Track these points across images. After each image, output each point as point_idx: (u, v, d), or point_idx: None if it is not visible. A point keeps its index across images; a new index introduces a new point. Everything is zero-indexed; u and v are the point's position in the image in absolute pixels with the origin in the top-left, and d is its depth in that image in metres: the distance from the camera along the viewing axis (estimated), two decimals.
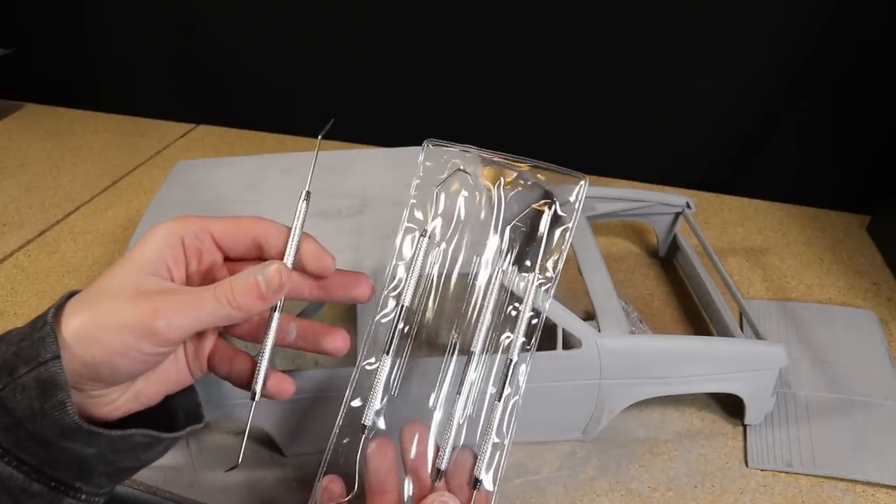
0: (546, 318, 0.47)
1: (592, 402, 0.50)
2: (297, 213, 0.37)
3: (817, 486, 0.50)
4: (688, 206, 0.69)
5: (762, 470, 0.51)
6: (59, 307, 0.32)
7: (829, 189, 0.84)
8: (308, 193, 0.37)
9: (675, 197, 0.70)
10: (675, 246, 0.72)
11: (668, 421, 0.55)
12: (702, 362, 0.50)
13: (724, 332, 0.57)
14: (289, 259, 0.36)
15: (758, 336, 0.54)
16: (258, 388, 0.37)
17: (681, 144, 0.88)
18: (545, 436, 0.53)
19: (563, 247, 0.39)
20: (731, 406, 0.55)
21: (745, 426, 0.54)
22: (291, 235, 0.36)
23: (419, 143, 0.41)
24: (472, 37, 0.87)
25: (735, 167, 0.87)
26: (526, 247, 0.40)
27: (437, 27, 0.88)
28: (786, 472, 0.51)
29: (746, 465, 0.51)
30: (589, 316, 0.51)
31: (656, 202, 0.69)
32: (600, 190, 0.69)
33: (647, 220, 0.73)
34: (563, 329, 0.48)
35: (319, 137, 0.38)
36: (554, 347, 0.48)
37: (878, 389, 0.57)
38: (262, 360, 0.37)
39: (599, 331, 0.49)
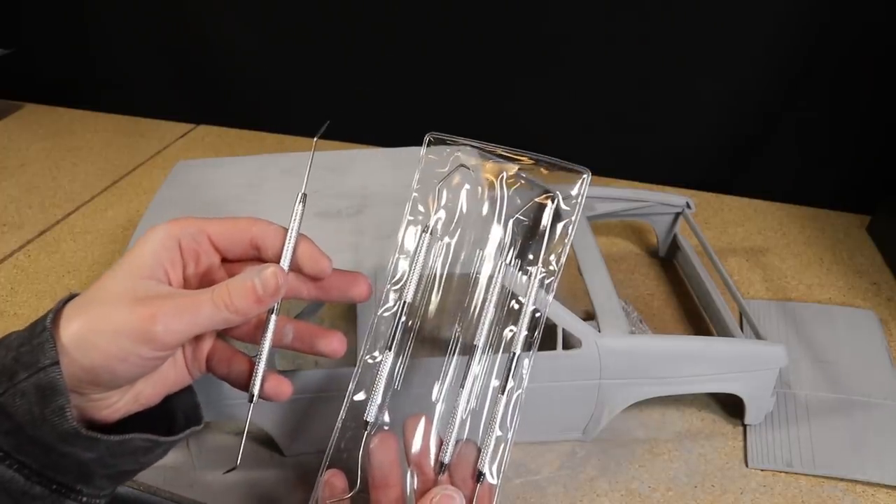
0: (546, 318, 0.47)
1: (592, 402, 0.50)
2: (294, 215, 0.37)
3: (817, 486, 0.50)
4: (688, 206, 0.69)
5: (762, 470, 0.51)
6: (58, 311, 0.32)
7: (829, 189, 0.84)
8: (304, 195, 0.37)
9: (675, 197, 0.70)
10: (675, 246, 0.72)
11: (668, 421, 0.55)
12: (702, 362, 0.50)
13: (724, 332, 0.57)
14: (285, 262, 0.36)
15: (758, 336, 0.54)
16: (256, 389, 0.37)
17: (681, 144, 0.88)
18: (545, 436, 0.53)
19: (566, 240, 0.39)
20: (731, 406, 0.55)
21: (745, 426, 0.54)
22: (288, 238, 0.36)
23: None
24: (472, 37, 0.87)
25: (735, 167, 0.87)
26: (528, 241, 0.40)
27: (437, 28, 0.88)
28: (786, 472, 0.51)
29: (746, 465, 0.51)
30: (589, 316, 0.51)
31: (656, 202, 0.69)
32: (600, 190, 0.69)
33: (647, 220, 0.73)
34: (563, 329, 0.48)
35: (315, 139, 0.38)
36: (554, 347, 0.48)
37: (878, 389, 0.57)
38: (259, 361, 0.37)
39: (599, 331, 0.49)
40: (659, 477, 0.51)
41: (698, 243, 0.66)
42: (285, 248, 0.36)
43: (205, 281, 0.36)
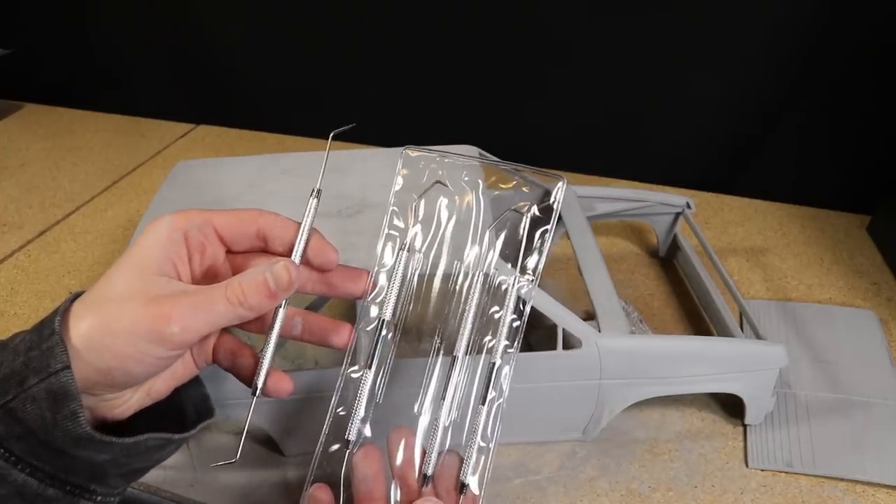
0: (546, 318, 0.47)
1: (592, 402, 0.50)
2: (308, 209, 0.37)
3: (817, 486, 0.50)
4: (688, 206, 0.69)
5: (762, 470, 0.51)
6: (65, 312, 0.31)
7: (829, 189, 0.84)
8: (319, 191, 0.37)
9: (675, 197, 0.70)
10: (675, 246, 0.72)
11: (668, 421, 0.55)
12: (702, 362, 0.50)
13: (724, 332, 0.57)
14: (297, 255, 0.36)
15: (758, 336, 0.54)
16: (260, 383, 0.36)
17: (681, 144, 0.88)
18: (545, 436, 0.53)
19: (544, 248, 0.39)
20: (731, 406, 0.55)
21: (745, 426, 0.54)
22: (300, 232, 0.36)
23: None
24: (472, 38, 0.87)
25: (735, 167, 0.87)
26: (507, 249, 0.40)
27: (438, 28, 0.88)
28: (786, 472, 0.51)
29: (746, 465, 0.51)
30: (589, 316, 0.51)
31: (656, 202, 0.69)
32: (600, 190, 0.69)
33: (647, 220, 0.73)
34: (563, 329, 0.48)
35: (331, 136, 0.38)
36: (554, 347, 0.48)
37: (878, 389, 0.57)
38: (265, 355, 0.36)
39: (599, 331, 0.49)
40: (659, 477, 0.51)
41: (698, 243, 0.66)
42: (297, 241, 0.36)
43: (210, 273, 0.36)
